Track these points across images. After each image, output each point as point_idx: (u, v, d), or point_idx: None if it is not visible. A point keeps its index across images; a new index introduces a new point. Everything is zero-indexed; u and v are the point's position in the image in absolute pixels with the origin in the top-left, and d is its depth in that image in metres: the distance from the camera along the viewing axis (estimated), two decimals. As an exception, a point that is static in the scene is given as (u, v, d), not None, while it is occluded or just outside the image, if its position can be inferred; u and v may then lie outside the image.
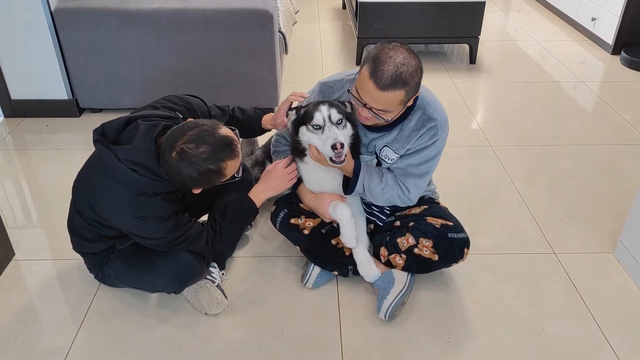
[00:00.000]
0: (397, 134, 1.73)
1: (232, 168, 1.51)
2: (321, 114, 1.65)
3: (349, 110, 1.71)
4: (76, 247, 1.79)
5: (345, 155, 1.65)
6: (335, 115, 1.65)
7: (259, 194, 1.76)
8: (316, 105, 1.68)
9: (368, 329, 1.73)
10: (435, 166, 1.78)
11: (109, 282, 1.82)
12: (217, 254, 1.85)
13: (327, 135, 1.63)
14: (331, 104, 1.67)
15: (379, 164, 1.82)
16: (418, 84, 1.57)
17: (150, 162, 1.49)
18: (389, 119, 1.61)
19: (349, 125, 1.69)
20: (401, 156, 1.75)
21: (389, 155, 1.76)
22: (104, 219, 1.60)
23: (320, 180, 1.84)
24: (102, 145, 1.50)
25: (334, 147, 1.59)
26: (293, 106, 1.80)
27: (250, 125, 1.92)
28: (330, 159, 1.64)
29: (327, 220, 1.84)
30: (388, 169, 1.80)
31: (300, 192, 1.89)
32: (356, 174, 1.73)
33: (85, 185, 1.62)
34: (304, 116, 1.70)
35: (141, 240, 1.62)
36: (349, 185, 1.76)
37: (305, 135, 1.70)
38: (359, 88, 1.57)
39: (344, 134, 1.67)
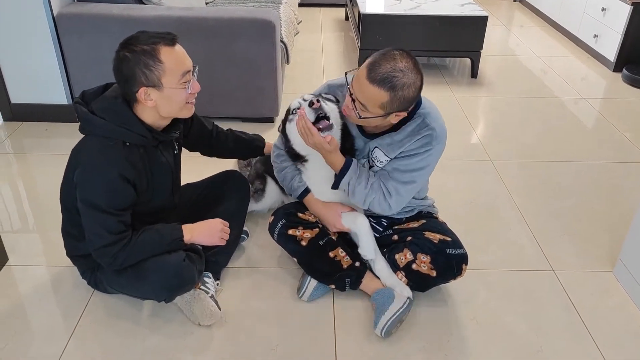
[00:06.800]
0: (390, 135, 1.72)
1: (169, 57, 1.50)
2: (297, 100, 1.76)
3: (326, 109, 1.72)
4: (68, 251, 1.80)
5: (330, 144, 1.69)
6: (308, 96, 1.72)
7: (189, 230, 1.70)
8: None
9: (363, 344, 1.71)
10: (421, 178, 1.73)
11: (101, 288, 1.81)
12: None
13: (305, 108, 1.69)
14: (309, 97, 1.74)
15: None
16: (407, 100, 1.55)
17: (117, 106, 1.55)
18: (362, 117, 1.60)
19: (328, 104, 1.73)
20: (391, 160, 1.73)
21: (379, 157, 1.74)
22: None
23: (324, 187, 1.82)
24: (79, 104, 1.57)
25: (310, 103, 1.66)
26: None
27: (254, 145, 2.14)
28: (319, 129, 1.66)
29: (334, 230, 1.84)
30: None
31: (309, 201, 1.88)
32: (345, 169, 1.71)
33: (70, 159, 1.63)
34: (285, 115, 1.82)
35: (80, 202, 1.56)
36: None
37: (291, 126, 1.77)
38: (356, 74, 1.59)
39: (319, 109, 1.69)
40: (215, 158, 2.15)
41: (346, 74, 1.65)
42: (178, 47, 1.54)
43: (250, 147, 2.14)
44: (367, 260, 1.87)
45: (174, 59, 1.51)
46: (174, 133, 1.69)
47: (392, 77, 1.50)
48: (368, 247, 1.81)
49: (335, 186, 1.75)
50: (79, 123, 1.58)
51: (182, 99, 1.57)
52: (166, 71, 1.50)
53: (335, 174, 1.75)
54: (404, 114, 1.61)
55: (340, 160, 1.71)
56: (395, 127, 1.70)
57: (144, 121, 1.58)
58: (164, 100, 1.54)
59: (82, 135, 1.61)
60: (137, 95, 1.52)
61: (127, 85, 1.52)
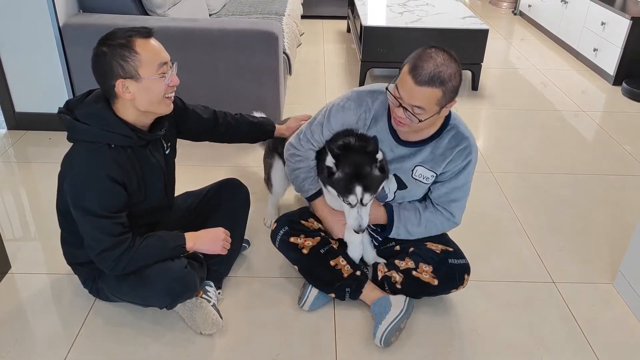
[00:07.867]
0: (430, 151, 1.74)
1: (144, 48, 1.52)
2: (355, 197, 1.67)
3: (380, 157, 1.69)
4: (67, 259, 1.80)
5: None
6: (368, 198, 1.67)
7: (191, 238, 1.71)
8: (350, 180, 1.66)
9: (364, 354, 1.71)
10: (470, 187, 1.82)
11: (103, 297, 1.81)
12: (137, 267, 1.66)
13: (354, 216, 1.70)
14: (365, 186, 1.65)
15: (401, 185, 1.82)
16: (455, 89, 1.59)
17: (98, 110, 1.56)
18: (422, 119, 1.58)
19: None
20: (439, 181, 1.78)
21: (424, 174, 1.77)
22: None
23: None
24: (62, 113, 1.59)
25: (356, 231, 1.72)
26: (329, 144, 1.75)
27: (265, 128, 2.11)
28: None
29: (336, 237, 1.88)
30: (419, 202, 1.85)
31: (317, 205, 1.90)
32: (390, 219, 1.82)
33: (60, 168, 1.64)
34: (337, 181, 1.69)
35: (73, 209, 1.58)
36: (384, 228, 1.86)
37: (334, 197, 1.76)
38: (399, 85, 1.60)
39: (369, 207, 1.72)
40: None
41: (387, 90, 1.64)
42: (153, 40, 1.57)
43: (262, 130, 2.12)
44: (366, 270, 1.88)
45: (149, 50, 1.54)
46: (159, 131, 1.69)
47: (438, 73, 1.53)
48: (354, 255, 1.89)
49: (386, 235, 1.87)
50: (63, 122, 1.59)
51: (161, 89, 1.57)
52: (142, 62, 1.52)
53: (382, 227, 1.87)
54: (453, 103, 1.63)
55: (380, 212, 1.83)
56: (433, 137, 1.73)
57: (126, 121, 1.58)
58: (143, 91, 1.54)
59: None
60: (115, 89, 1.54)
61: (105, 79, 1.54)
